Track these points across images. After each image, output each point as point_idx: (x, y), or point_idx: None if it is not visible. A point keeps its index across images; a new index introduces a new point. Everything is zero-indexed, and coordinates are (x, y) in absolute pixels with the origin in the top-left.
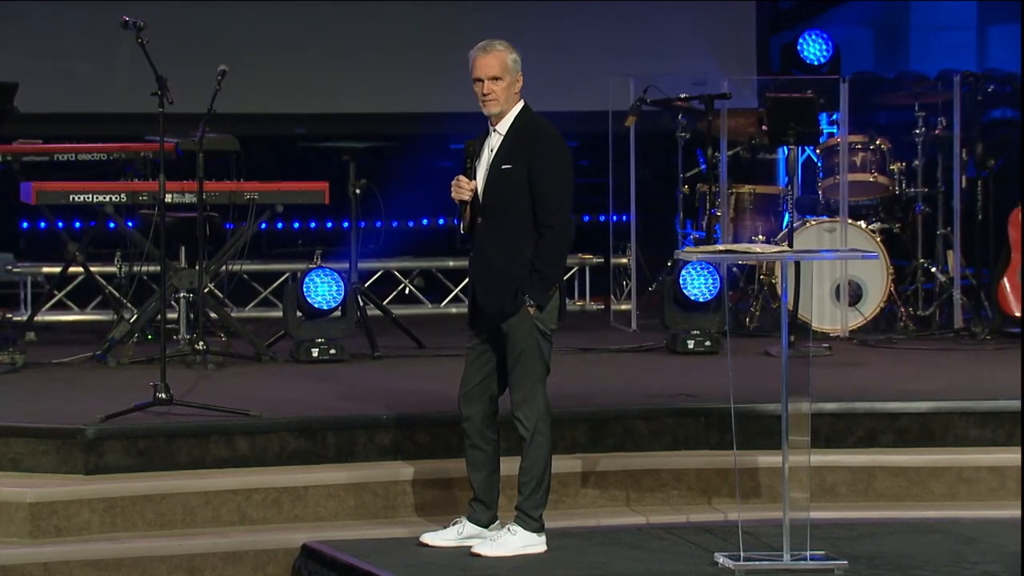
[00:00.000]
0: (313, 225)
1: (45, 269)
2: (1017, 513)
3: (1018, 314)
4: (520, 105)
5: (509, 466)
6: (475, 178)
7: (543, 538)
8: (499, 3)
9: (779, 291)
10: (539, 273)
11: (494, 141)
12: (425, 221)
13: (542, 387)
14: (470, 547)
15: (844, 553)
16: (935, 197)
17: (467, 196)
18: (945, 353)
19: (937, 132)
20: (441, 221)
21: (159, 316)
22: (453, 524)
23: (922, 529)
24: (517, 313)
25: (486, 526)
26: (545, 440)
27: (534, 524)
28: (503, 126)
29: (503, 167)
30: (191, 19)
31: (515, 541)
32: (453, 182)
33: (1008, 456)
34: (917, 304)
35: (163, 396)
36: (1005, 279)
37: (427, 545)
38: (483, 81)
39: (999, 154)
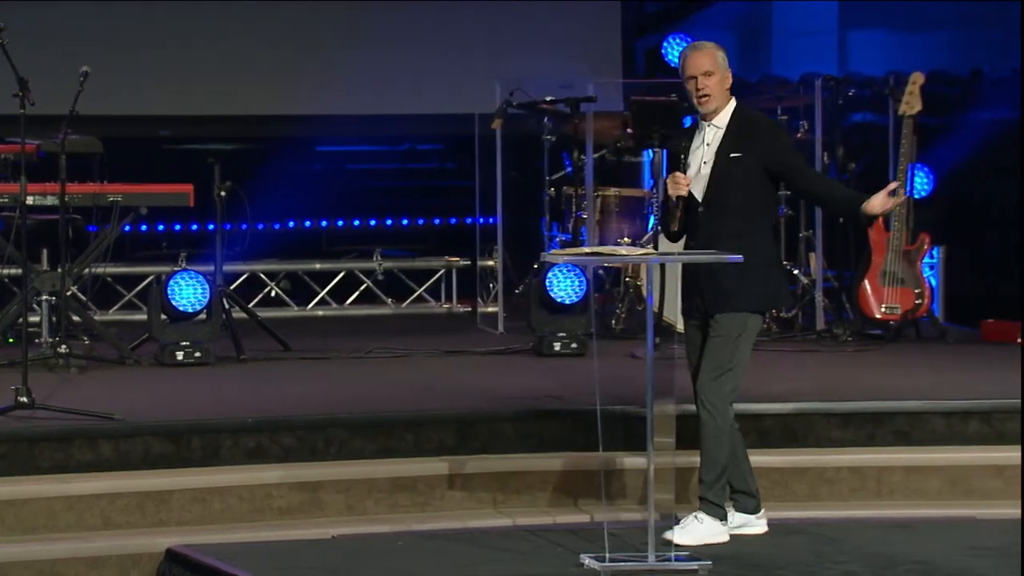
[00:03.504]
0: (178, 228)
1: None
2: (874, 512)
3: (878, 316)
4: (734, 101)
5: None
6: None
7: (726, 526)
8: (364, 4)
9: (644, 293)
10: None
11: (711, 135)
12: (291, 223)
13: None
14: (741, 534)
15: (708, 553)
16: (797, 200)
17: (685, 192)
18: (807, 354)
19: (799, 135)
20: (307, 223)
21: (20, 319)
22: None
23: (785, 530)
24: (732, 307)
25: (752, 513)
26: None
27: (719, 512)
28: (721, 120)
29: (732, 155)
30: (52, 19)
31: (702, 529)
32: (669, 179)
33: (867, 456)
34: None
35: (24, 400)
36: (866, 281)
37: None
38: (696, 78)
39: (860, 157)
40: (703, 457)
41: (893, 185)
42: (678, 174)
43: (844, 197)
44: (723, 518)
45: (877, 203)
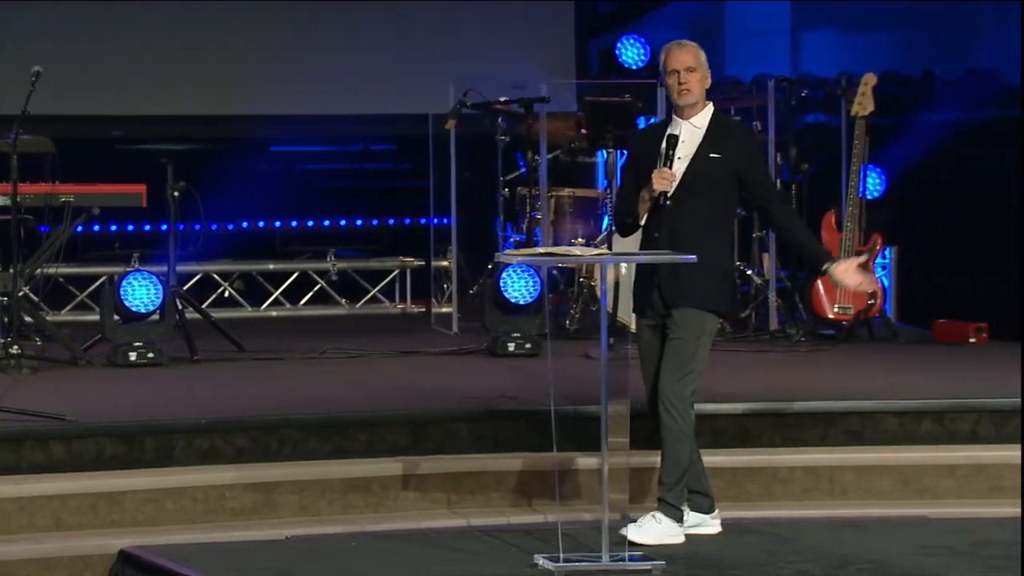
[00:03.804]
0: (131, 228)
1: None
2: (827, 512)
3: (831, 316)
4: (711, 105)
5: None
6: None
7: (682, 527)
8: (318, 4)
9: (598, 294)
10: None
11: (687, 132)
12: (245, 224)
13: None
14: (696, 534)
15: (662, 553)
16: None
17: (669, 187)
18: (761, 355)
19: None
20: (261, 224)
21: None
22: None
23: (738, 529)
24: (691, 303)
25: (707, 512)
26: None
27: (677, 513)
28: (700, 120)
29: (711, 155)
30: (2, 19)
31: (660, 528)
32: (655, 173)
33: (820, 456)
34: None
35: None
36: (819, 281)
37: None
38: (679, 72)
39: (812, 158)
40: (664, 459)
41: (863, 259)
42: (665, 169)
43: (811, 247)
44: (680, 520)
45: (846, 276)
